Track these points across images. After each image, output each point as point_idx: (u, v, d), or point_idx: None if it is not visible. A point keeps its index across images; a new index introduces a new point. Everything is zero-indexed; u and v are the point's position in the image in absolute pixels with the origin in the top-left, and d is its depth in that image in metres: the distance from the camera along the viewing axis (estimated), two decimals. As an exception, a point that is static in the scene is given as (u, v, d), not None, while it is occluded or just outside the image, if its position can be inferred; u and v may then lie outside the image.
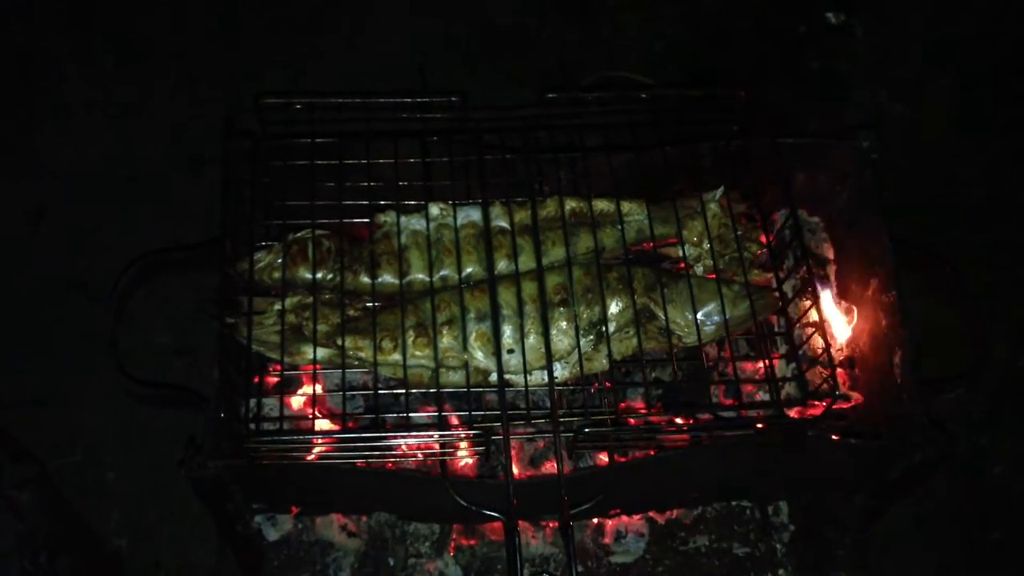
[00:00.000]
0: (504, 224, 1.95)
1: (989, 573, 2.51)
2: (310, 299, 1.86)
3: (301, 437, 1.73)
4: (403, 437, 1.72)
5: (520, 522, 1.65)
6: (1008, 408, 2.67)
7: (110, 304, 1.81)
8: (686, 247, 1.98)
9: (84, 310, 2.73)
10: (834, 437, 1.88)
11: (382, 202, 1.97)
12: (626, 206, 1.99)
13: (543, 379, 1.85)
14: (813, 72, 3.06)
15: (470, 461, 1.99)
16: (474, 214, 1.96)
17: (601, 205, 1.99)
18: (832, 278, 2.15)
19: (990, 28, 3.02)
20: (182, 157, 2.93)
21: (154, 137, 3.02)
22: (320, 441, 1.75)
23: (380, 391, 1.87)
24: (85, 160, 2.97)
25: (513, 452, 1.97)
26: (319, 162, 1.96)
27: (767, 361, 1.92)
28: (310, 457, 1.77)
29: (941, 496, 2.55)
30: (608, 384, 1.92)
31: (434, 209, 1.96)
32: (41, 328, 2.76)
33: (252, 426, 1.74)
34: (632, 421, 1.83)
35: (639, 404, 2.06)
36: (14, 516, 2.09)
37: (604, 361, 1.87)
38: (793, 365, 1.97)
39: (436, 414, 1.80)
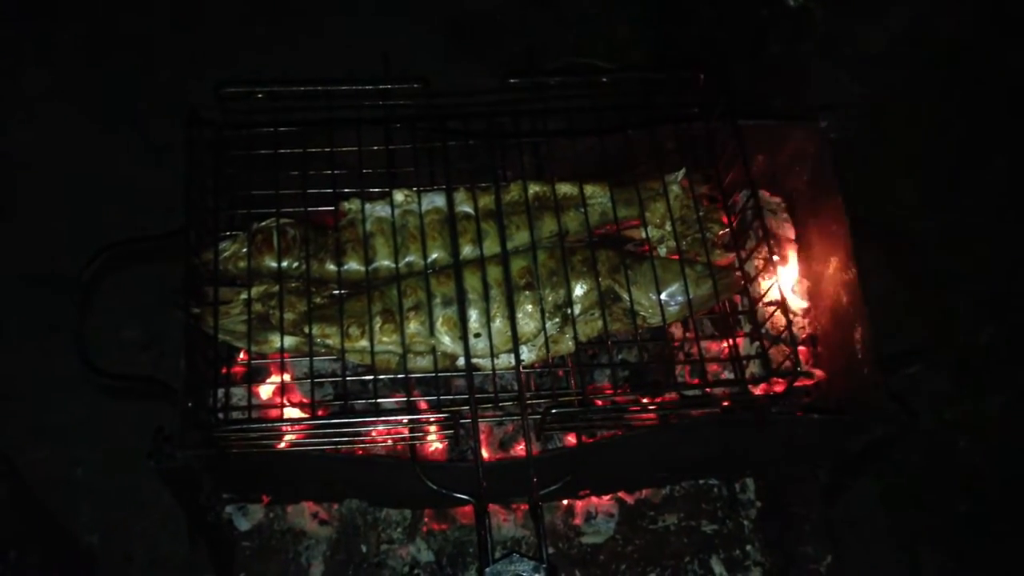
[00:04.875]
0: (468, 209, 1.95)
1: (955, 546, 2.56)
2: (276, 288, 1.86)
3: (270, 424, 1.74)
4: (372, 423, 1.72)
5: (491, 505, 1.66)
6: (971, 384, 2.71)
7: (73, 296, 1.79)
8: (649, 229, 2.00)
9: (46, 303, 2.72)
10: (798, 413, 1.92)
11: (346, 190, 1.97)
12: (589, 189, 2.00)
13: (510, 362, 1.87)
14: (774, 55, 3.09)
15: (440, 446, 2.00)
16: (438, 200, 1.97)
17: (564, 189, 2.00)
18: (793, 257, 2.18)
19: (949, 9, 3.06)
20: (144, 146, 2.92)
21: (115, 126, 3.01)
22: (290, 429, 1.75)
23: (348, 378, 1.88)
24: (44, 150, 2.95)
25: (482, 436, 1.98)
26: (282, 151, 1.96)
27: (731, 340, 1.95)
28: (280, 445, 1.77)
29: (907, 471, 2.60)
30: (572, 366, 1.94)
31: (398, 196, 1.96)
32: (2, 322, 2.74)
33: (221, 415, 1.74)
34: (599, 402, 1.85)
35: (606, 385, 2.07)
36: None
37: (570, 343, 1.89)
38: (756, 344, 2.00)
39: (405, 399, 1.81)
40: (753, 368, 1.98)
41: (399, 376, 1.87)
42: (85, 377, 1.81)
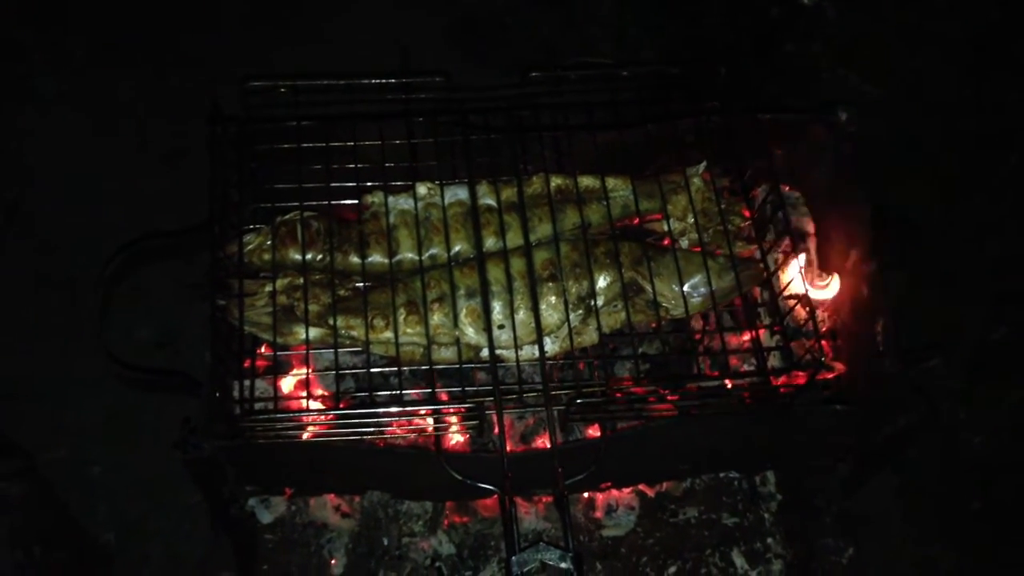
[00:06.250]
0: (491, 202, 1.96)
1: (969, 542, 2.56)
2: (301, 280, 1.87)
3: (295, 414, 1.74)
4: (396, 413, 1.73)
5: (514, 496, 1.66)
6: (984, 381, 2.71)
7: (94, 294, 1.80)
8: (671, 221, 2.01)
9: (58, 304, 2.73)
10: (818, 405, 1.92)
11: (369, 183, 1.98)
12: (611, 182, 2.01)
13: (534, 354, 1.87)
14: (787, 54, 3.10)
15: (461, 439, 2.00)
16: (461, 193, 1.97)
17: (586, 182, 2.01)
18: (813, 250, 2.18)
19: (960, 8, 3.07)
20: (155, 148, 2.93)
21: (126, 128, 3.02)
22: (314, 420, 1.76)
23: (372, 370, 1.88)
24: (57, 153, 2.96)
25: (506, 428, 1.98)
26: (305, 145, 1.97)
27: (752, 332, 1.96)
28: (305, 436, 1.77)
29: (922, 468, 2.60)
30: (596, 362, 1.94)
31: (421, 189, 1.97)
32: (19, 322, 2.75)
33: (246, 406, 1.75)
34: (621, 394, 1.85)
35: (628, 377, 2.07)
36: (4, 509, 2.08)
37: (593, 335, 1.89)
38: (777, 336, 2.00)
39: (428, 391, 1.81)
40: (774, 360, 1.99)
41: (423, 367, 1.88)
42: (108, 373, 1.81)
